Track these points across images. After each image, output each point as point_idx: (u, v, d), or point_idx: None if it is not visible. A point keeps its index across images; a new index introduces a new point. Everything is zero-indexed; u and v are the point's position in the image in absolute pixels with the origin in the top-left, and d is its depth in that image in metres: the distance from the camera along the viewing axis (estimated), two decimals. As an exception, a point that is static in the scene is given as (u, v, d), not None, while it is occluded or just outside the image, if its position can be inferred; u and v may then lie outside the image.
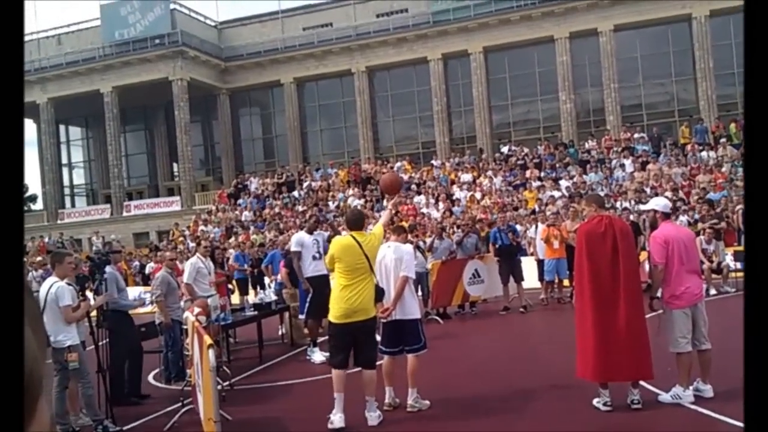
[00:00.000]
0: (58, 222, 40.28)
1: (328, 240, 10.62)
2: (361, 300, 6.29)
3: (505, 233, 13.93)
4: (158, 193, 42.71)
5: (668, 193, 19.11)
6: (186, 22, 39.96)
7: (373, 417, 6.29)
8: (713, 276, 14.19)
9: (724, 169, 22.28)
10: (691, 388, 6.18)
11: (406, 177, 28.61)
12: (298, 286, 10.53)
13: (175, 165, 42.55)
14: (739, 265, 14.74)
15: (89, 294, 7.56)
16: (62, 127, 45.24)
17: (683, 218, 16.50)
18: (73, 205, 45.35)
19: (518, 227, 16.23)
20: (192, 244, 22.71)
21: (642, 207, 8.54)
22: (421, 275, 13.26)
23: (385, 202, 7.91)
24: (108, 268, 8.41)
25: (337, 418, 6.21)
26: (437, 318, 13.33)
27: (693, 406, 5.99)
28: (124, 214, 39.25)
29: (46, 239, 33.25)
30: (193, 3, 63.47)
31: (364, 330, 6.38)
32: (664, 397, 6.19)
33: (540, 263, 14.62)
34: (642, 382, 6.22)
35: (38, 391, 0.64)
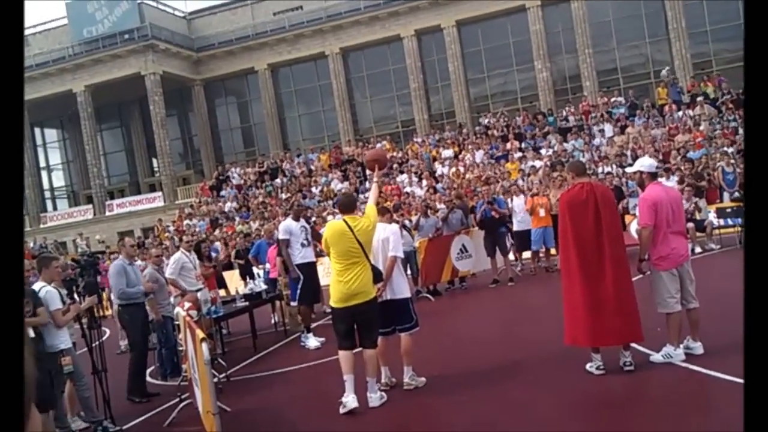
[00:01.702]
0: (41, 226, 39.93)
1: (313, 230, 10.64)
2: (358, 283, 6.28)
3: (490, 206, 13.95)
4: (140, 190, 42.39)
5: (648, 155, 19.21)
6: (154, 15, 39.45)
7: (374, 398, 6.31)
8: (698, 234, 14.33)
9: (702, 128, 22.43)
10: (681, 346, 6.27)
11: (387, 156, 28.53)
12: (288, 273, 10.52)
13: (154, 160, 42.22)
14: (722, 222, 14.92)
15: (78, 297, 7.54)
16: (37, 130, 44.70)
17: (674, 178, 16.49)
18: (54, 208, 44.94)
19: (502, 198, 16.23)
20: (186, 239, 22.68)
21: (628, 169, 8.58)
22: (408, 254, 13.29)
23: (375, 178, 7.78)
24: (117, 261, 8.50)
25: (349, 400, 6.19)
26: (428, 295, 13.39)
27: (684, 364, 6.07)
28: (107, 213, 38.96)
29: (30, 244, 32.94)
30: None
31: (365, 312, 6.36)
32: (656, 357, 6.28)
33: (517, 234, 14.55)
34: (633, 344, 6.30)
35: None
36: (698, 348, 6.28)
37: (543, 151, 24.37)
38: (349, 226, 6.38)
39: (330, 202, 25.46)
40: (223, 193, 32.34)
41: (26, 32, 41.21)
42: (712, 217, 15.08)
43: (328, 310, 7.66)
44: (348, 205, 6.72)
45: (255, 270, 14.31)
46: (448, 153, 27.60)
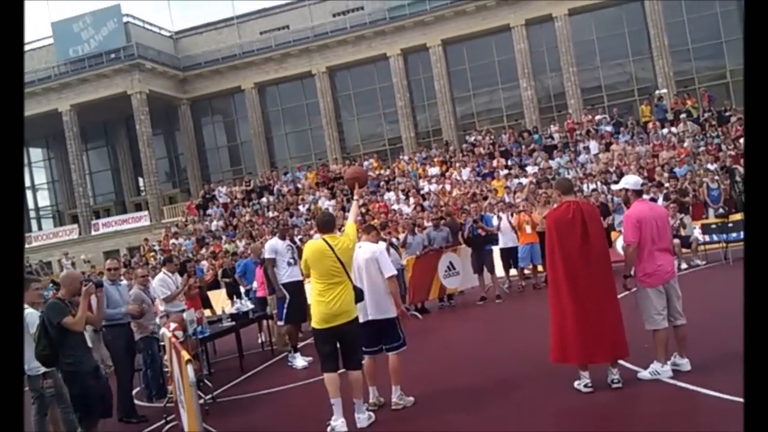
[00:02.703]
0: (26, 246, 39.56)
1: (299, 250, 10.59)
2: (340, 303, 6.18)
3: (475, 224, 13.96)
4: (125, 209, 42.18)
5: (633, 172, 19.32)
6: (141, 34, 39.49)
7: (362, 419, 6.23)
8: (683, 250, 14.40)
9: (686, 144, 22.63)
10: (668, 363, 6.27)
11: (374, 174, 28.61)
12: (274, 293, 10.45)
13: (140, 179, 42.07)
14: (707, 238, 15.00)
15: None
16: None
17: (661, 198, 16.55)
18: (39, 227, 44.62)
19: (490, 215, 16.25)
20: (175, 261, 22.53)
21: (613, 187, 8.68)
22: (396, 272, 13.25)
23: (355, 196, 7.76)
24: (107, 285, 8.41)
25: (339, 423, 6.08)
26: (416, 313, 13.34)
27: (672, 381, 6.07)
28: (93, 233, 38.73)
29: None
30: (147, 14, 62.89)
31: (348, 332, 6.26)
32: (643, 374, 6.28)
33: (502, 252, 14.59)
34: (621, 361, 6.30)
35: None
36: (685, 364, 6.28)
37: (529, 169, 24.49)
38: (330, 245, 6.27)
39: (317, 220, 25.36)
40: (209, 211, 32.21)
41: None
42: (697, 233, 15.17)
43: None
44: (326, 224, 6.61)
45: (242, 289, 14.23)
46: (434, 171, 27.68)
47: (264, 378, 9.63)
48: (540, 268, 14.30)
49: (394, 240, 14.81)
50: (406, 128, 37.35)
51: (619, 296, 6.27)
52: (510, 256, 14.59)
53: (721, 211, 16.89)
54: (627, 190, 6.60)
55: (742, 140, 20.13)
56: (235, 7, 45.94)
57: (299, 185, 31.18)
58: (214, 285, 18.62)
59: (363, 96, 39.14)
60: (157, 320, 9.28)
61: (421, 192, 25.66)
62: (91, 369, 6.19)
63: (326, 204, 27.11)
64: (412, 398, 6.73)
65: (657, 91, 30.52)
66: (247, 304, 11.20)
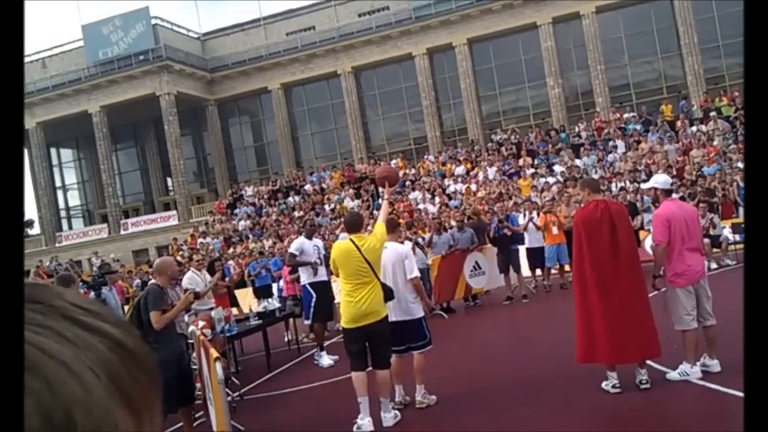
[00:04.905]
0: (57, 245, 40.22)
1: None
2: (368, 303, 6.18)
3: (501, 224, 13.94)
4: (154, 209, 42.64)
5: (661, 171, 19.11)
6: (169, 36, 39.90)
7: (388, 417, 6.25)
8: (713, 250, 14.21)
9: (715, 143, 22.32)
10: (698, 364, 6.20)
11: (399, 174, 28.59)
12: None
13: (168, 179, 42.50)
14: (737, 238, 14.79)
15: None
16: (53, 150, 45.14)
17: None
18: (70, 227, 45.26)
19: (515, 215, 16.19)
20: (197, 257, 22.72)
21: (643, 185, 8.62)
22: (422, 271, 13.25)
23: (385, 195, 7.68)
24: (104, 289, 8.41)
25: (365, 423, 6.11)
26: (441, 313, 13.33)
27: (701, 382, 6.01)
28: (122, 232, 39.21)
29: (47, 263, 33.16)
30: (174, 16, 63.55)
31: (377, 332, 6.27)
32: (672, 375, 6.22)
33: (528, 252, 14.57)
34: (649, 362, 6.25)
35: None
36: (715, 365, 6.21)
37: (556, 168, 24.33)
38: (356, 246, 6.27)
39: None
40: (236, 211, 32.46)
41: (42, 55, 41.86)
42: (727, 232, 14.96)
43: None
44: (354, 224, 6.62)
45: (276, 285, 14.37)
46: (460, 170, 27.61)
47: (290, 376, 9.70)
48: (567, 267, 14.22)
49: (419, 239, 14.81)
50: (432, 127, 37.26)
51: (649, 296, 6.22)
52: (536, 256, 14.54)
53: (752, 210, 16.62)
54: (657, 189, 6.55)
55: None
56: (261, 8, 46.17)
57: (324, 185, 31.29)
58: (241, 284, 18.78)
59: (388, 95, 39.12)
60: (186, 318, 9.38)
61: (447, 191, 25.61)
62: (173, 358, 6.23)
63: (351, 204, 27.18)
64: (434, 397, 6.74)
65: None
66: (274, 303, 11.28)
